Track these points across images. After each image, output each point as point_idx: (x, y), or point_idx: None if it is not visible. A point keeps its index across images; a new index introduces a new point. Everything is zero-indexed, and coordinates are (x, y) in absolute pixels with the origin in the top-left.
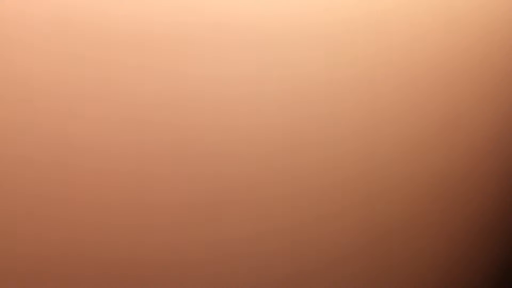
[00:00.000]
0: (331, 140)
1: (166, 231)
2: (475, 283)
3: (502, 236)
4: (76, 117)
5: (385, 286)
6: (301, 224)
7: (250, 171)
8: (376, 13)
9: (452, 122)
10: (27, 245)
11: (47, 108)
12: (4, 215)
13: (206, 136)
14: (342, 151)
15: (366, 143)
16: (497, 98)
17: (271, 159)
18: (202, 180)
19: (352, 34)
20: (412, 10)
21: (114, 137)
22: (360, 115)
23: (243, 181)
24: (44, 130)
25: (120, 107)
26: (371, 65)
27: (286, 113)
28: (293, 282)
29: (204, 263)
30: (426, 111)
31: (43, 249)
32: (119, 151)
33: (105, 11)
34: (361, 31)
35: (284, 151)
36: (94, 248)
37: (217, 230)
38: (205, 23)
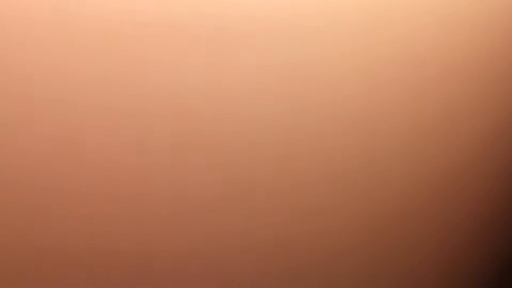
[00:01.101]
0: (330, 134)
1: (167, 224)
2: (475, 279)
3: (503, 231)
4: (77, 109)
5: (384, 281)
6: (301, 217)
7: (250, 164)
8: (376, 7)
9: (452, 116)
10: (27, 237)
11: (48, 100)
12: (4, 209)
13: (207, 129)
14: (341, 146)
15: (365, 137)
16: (497, 93)
17: (271, 152)
18: (203, 173)
19: (351, 28)
20: (411, 4)
21: (116, 129)
22: (359, 109)
23: (244, 174)
24: (46, 122)
25: (121, 99)
26: (369, 59)
27: (286, 106)
28: (293, 276)
29: (205, 255)
30: (426, 105)
31: (43, 241)
32: (120, 143)
33: (106, 2)
34: (360, 25)
35: (284, 144)
36: (95, 240)
37: (218, 223)
38: (206, 15)
